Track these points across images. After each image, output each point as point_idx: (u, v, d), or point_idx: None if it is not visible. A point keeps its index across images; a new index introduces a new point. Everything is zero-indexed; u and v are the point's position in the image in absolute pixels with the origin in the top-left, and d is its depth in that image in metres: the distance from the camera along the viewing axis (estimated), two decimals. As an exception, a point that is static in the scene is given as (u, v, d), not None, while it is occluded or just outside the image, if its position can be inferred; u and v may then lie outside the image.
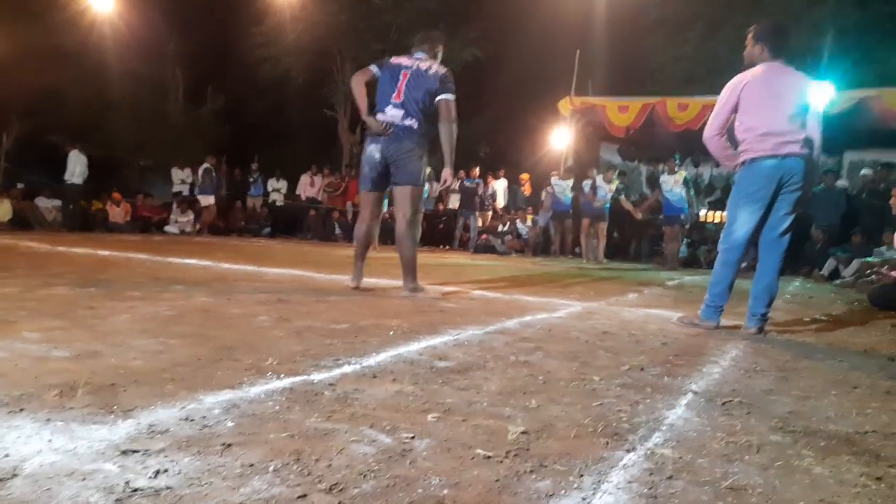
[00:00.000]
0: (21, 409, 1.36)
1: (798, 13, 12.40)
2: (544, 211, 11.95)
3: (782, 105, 3.14)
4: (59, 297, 2.99)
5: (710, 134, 3.32)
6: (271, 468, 1.14)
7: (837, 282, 8.23)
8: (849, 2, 12.38)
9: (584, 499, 1.11)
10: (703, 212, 12.81)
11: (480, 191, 12.50)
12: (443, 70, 3.76)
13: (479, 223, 12.42)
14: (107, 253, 6.18)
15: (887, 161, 10.64)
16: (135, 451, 1.17)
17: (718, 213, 11.70)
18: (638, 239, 12.27)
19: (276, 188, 14.61)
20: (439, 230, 13.39)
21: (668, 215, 9.60)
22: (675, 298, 4.96)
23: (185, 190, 13.60)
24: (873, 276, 6.92)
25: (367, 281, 4.45)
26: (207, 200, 12.38)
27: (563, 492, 1.13)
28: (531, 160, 15.56)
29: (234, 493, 1.04)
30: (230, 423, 1.36)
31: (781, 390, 2.03)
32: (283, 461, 1.18)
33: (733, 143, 3.33)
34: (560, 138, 12.93)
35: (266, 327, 2.53)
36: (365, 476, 1.14)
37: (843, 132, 8.98)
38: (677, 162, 9.85)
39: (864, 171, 10.64)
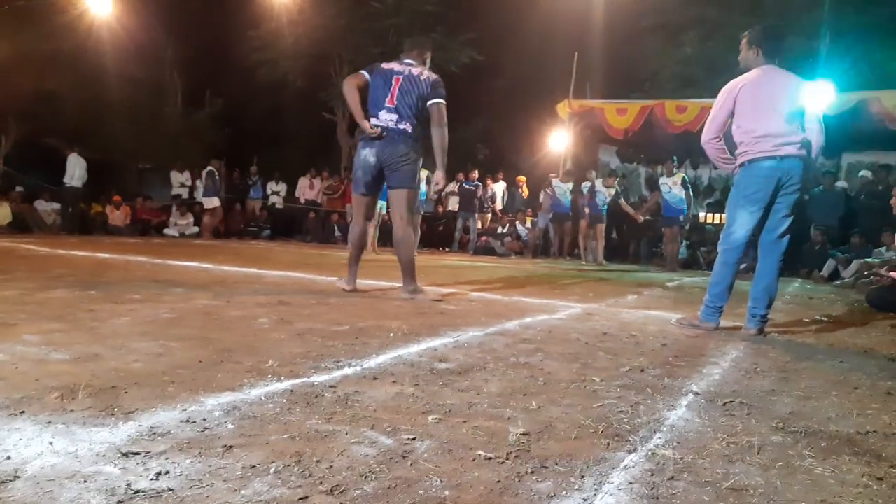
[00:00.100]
0: (22, 412, 1.36)
1: (796, 15, 12.43)
2: (543, 212, 11.96)
3: (779, 107, 3.16)
4: (58, 300, 2.99)
5: (708, 138, 3.34)
6: (272, 470, 1.14)
7: (837, 283, 8.24)
8: (847, 4, 12.41)
9: (585, 499, 1.11)
10: (702, 213, 12.83)
11: (480, 193, 12.51)
12: (434, 76, 3.82)
13: (479, 225, 12.43)
14: (106, 256, 6.18)
15: (886, 163, 10.66)
16: (136, 454, 1.17)
17: (718, 214, 11.71)
18: (637, 240, 12.28)
19: (276, 191, 14.62)
20: (439, 232, 13.40)
21: (667, 217, 9.62)
22: (675, 300, 4.97)
23: (185, 193, 13.62)
24: (871, 278, 6.92)
25: (368, 283, 4.46)
26: (212, 203, 12.40)
27: (564, 493, 1.13)
28: (530, 162, 15.58)
29: (236, 495, 1.04)
30: (231, 425, 1.36)
31: (782, 391, 2.03)
32: (285, 463, 1.18)
33: (731, 147, 3.34)
34: (559, 141, 12.94)
35: (266, 329, 2.53)
36: (366, 477, 1.14)
37: (842, 134, 8.99)
38: (675, 164, 9.86)
39: (862, 173, 10.66)
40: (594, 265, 9.81)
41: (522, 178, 13.88)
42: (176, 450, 1.21)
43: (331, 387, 1.71)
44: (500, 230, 12.36)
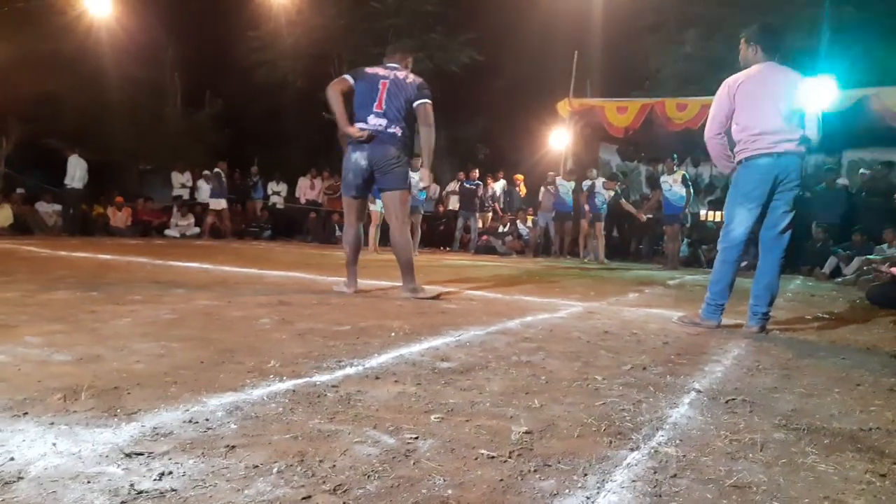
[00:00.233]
0: (25, 413, 1.37)
1: (796, 12, 12.41)
2: (544, 211, 11.95)
3: (777, 103, 3.15)
4: (60, 302, 2.99)
5: (712, 134, 3.34)
6: (275, 470, 1.14)
7: (839, 280, 8.24)
8: (847, 1, 12.39)
9: (588, 498, 1.11)
10: (703, 211, 12.82)
11: (480, 192, 12.51)
12: (419, 79, 3.89)
13: (480, 224, 12.43)
14: (107, 257, 6.19)
15: (887, 160, 10.65)
16: (139, 454, 1.17)
17: (719, 212, 11.69)
18: (638, 239, 12.28)
19: (276, 191, 14.62)
20: (439, 232, 13.39)
21: (667, 214, 9.62)
22: (676, 298, 4.96)
23: (185, 194, 13.62)
24: (871, 274, 6.92)
25: (370, 283, 4.46)
26: (219, 205, 12.45)
27: (567, 491, 1.13)
28: (530, 161, 15.56)
29: (239, 495, 1.04)
30: (233, 426, 1.36)
31: (784, 388, 2.03)
32: (287, 462, 1.18)
33: (732, 144, 3.34)
34: (559, 139, 12.94)
35: (268, 330, 2.53)
36: (369, 477, 1.14)
37: (843, 131, 8.99)
38: (675, 162, 9.86)
39: (861, 171, 10.65)
40: (595, 264, 9.80)
41: (520, 177, 13.86)
42: (179, 450, 1.21)
43: (333, 386, 1.71)
44: (500, 229, 12.36)
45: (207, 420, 1.38)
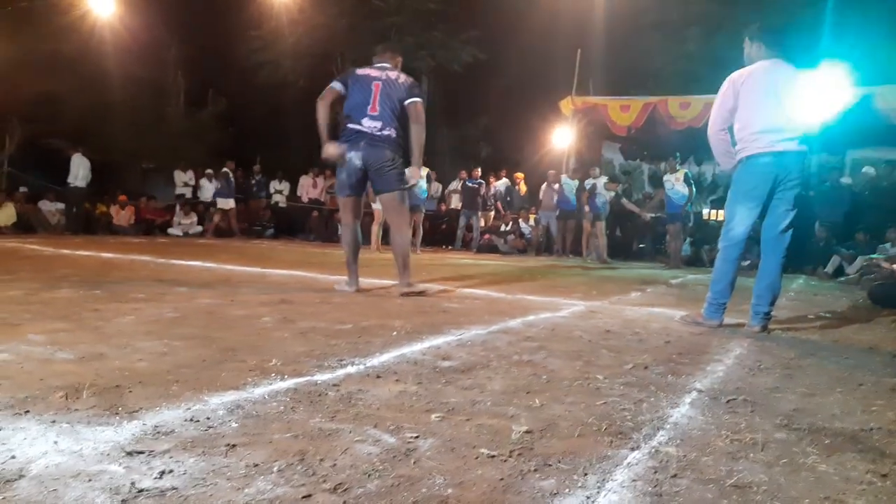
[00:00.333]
0: (27, 411, 1.37)
1: (800, 11, 12.37)
2: (545, 210, 11.94)
3: (778, 102, 3.13)
4: (63, 300, 3.00)
5: (716, 129, 3.32)
6: (276, 468, 1.15)
7: (842, 279, 8.22)
8: (850, -1, 12.36)
9: (588, 497, 1.11)
10: (705, 210, 12.79)
11: (483, 191, 12.50)
12: (410, 79, 3.95)
13: (482, 223, 12.43)
14: (110, 255, 6.20)
15: (891, 158, 10.61)
16: (140, 452, 1.18)
17: (721, 211, 11.67)
18: (641, 238, 12.26)
19: (279, 190, 14.62)
20: (442, 230, 13.39)
21: (670, 213, 9.62)
22: (679, 297, 4.96)
23: (188, 192, 13.64)
24: (874, 273, 6.90)
25: (371, 282, 4.46)
26: (227, 204, 12.49)
27: (567, 490, 1.13)
28: (533, 160, 15.55)
29: (239, 494, 1.04)
30: (235, 424, 1.37)
31: (786, 388, 2.03)
32: (288, 461, 1.18)
33: (734, 141, 3.33)
34: (562, 138, 12.92)
35: (270, 328, 2.53)
36: (369, 476, 1.14)
37: (846, 130, 8.95)
38: (678, 160, 9.84)
39: (865, 169, 10.61)
40: (598, 263, 9.80)
41: (520, 175, 13.85)
42: (180, 448, 1.21)
43: (334, 385, 1.72)
44: (503, 228, 12.35)
45: (208, 419, 1.39)
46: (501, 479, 1.16)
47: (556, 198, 11.45)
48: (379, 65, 3.96)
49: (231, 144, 16.47)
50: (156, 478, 1.08)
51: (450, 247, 12.48)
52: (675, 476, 1.22)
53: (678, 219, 9.54)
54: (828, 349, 2.86)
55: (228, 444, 1.24)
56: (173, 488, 1.04)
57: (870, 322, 3.99)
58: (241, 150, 16.23)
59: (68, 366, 1.78)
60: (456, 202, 13.01)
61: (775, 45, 3.24)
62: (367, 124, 3.81)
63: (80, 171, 11.22)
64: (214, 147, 16.16)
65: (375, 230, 9.79)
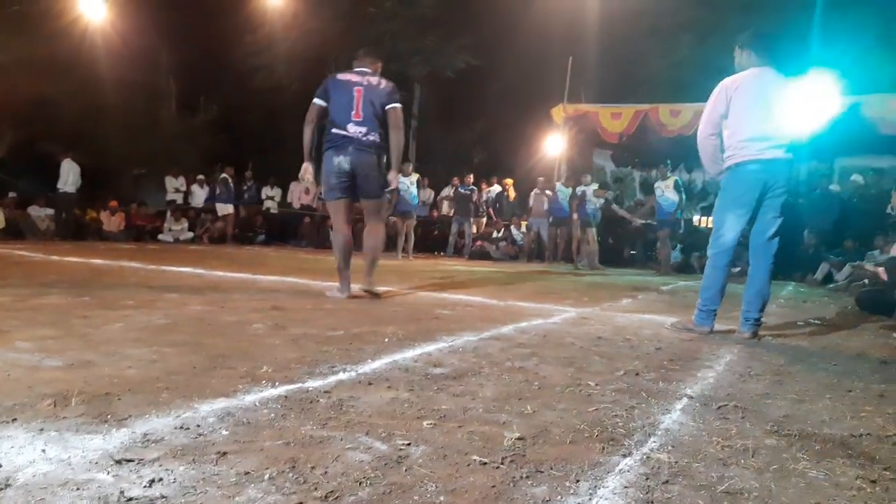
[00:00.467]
0: (14, 419, 1.36)
1: (789, 18, 12.51)
2: (535, 216, 11.97)
3: (768, 109, 3.17)
4: (52, 306, 2.98)
5: (706, 134, 3.34)
6: (266, 476, 1.14)
7: (831, 286, 8.28)
8: (839, 8, 12.49)
9: (580, 504, 1.11)
10: (696, 217, 12.87)
11: (475, 197, 12.52)
12: (391, 84, 4.01)
13: (474, 230, 12.44)
14: (100, 262, 6.15)
15: (878, 167, 10.72)
16: (129, 461, 1.17)
17: (711, 218, 11.74)
18: (632, 244, 12.31)
19: (271, 196, 14.58)
20: (434, 237, 13.38)
21: (660, 220, 9.69)
22: (669, 303, 4.98)
23: (179, 198, 13.57)
24: (865, 280, 6.95)
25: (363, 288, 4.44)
26: (226, 210, 12.47)
27: (559, 497, 1.13)
28: (525, 167, 15.60)
29: (230, 502, 1.03)
30: (225, 432, 1.36)
31: (776, 394, 2.04)
32: (279, 469, 1.17)
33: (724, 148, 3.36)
34: (553, 145, 12.98)
35: (261, 335, 2.52)
36: (361, 483, 1.13)
37: (835, 138, 9.05)
38: (669, 168, 9.92)
39: (853, 177, 10.72)
40: (589, 269, 9.83)
41: (509, 181, 13.89)
42: (169, 456, 1.20)
43: (325, 392, 1.71)
44: (495, 235, 12.37)
45: (199, 426, 1.38)
46: (493, 486, 1.16)
47: (546, 205, 11.49)
48: (359, 69, 4.00)
49: (223, 150, 16.41)
50: (145, 486, 1.07)
51: (442, 253, 12.48)
52: (666, 482, 1.23)
53: (668, 225, 9.60)
54: (817, 355, 2.88)
55: (219, 452, 1.23)
56: (163, 497, 1.04)
57: (858, 328, 4.02)
58: (233, 155, 16.18)
59: (56, 373, 1.76)
60: (447, 209, 13.01)
61: (765, 52, 3.28)
62: (353, 129, 3.87)
63: (69, 176, 11.15)
64: (206, 152, 16.10)
65: (400, 242, 10.29)
